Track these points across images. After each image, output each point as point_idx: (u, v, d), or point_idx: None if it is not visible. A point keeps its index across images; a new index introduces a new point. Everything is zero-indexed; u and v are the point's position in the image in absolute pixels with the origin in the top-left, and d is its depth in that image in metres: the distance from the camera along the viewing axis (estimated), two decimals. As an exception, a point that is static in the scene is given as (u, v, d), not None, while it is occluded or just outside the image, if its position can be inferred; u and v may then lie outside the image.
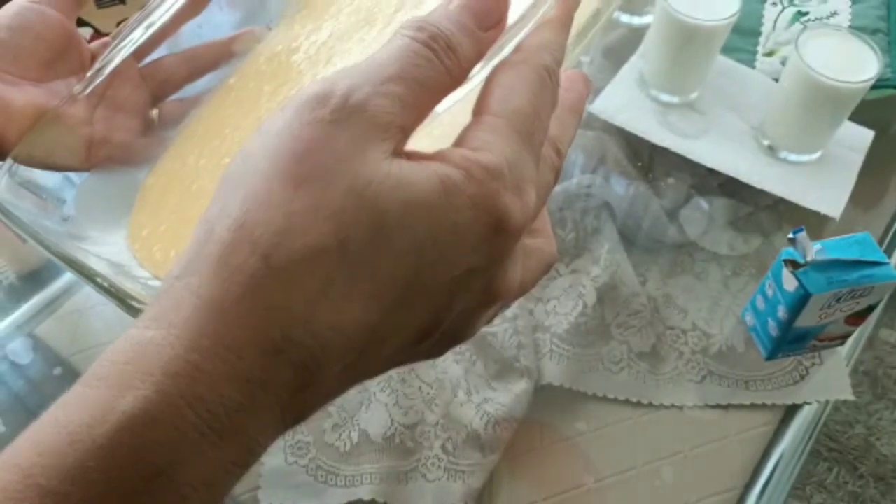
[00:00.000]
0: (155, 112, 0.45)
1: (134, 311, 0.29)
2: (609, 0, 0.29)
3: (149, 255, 0.36)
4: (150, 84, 0.44)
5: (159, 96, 0.45)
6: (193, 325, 0.17)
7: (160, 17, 0.42)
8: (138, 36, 0.41)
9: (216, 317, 0.17)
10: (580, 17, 0.25)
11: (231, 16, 0.49)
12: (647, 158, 0.68)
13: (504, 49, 0.22)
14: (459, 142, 0.21)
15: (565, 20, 0.23)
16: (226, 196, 0.19)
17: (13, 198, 0.36)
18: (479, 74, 0.21)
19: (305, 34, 0.44)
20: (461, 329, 0.21)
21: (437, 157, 0.20)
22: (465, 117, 0.22)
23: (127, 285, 0.31)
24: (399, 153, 0.19)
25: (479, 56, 0.21)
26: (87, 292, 0.61)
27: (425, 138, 0.20)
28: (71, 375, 0.53)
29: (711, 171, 0.65)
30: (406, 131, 0.20)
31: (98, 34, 0.52)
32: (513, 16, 0.22)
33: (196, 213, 0.37)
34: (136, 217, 0.38)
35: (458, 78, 0.21)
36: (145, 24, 0.41)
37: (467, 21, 0.21)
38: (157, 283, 0.33)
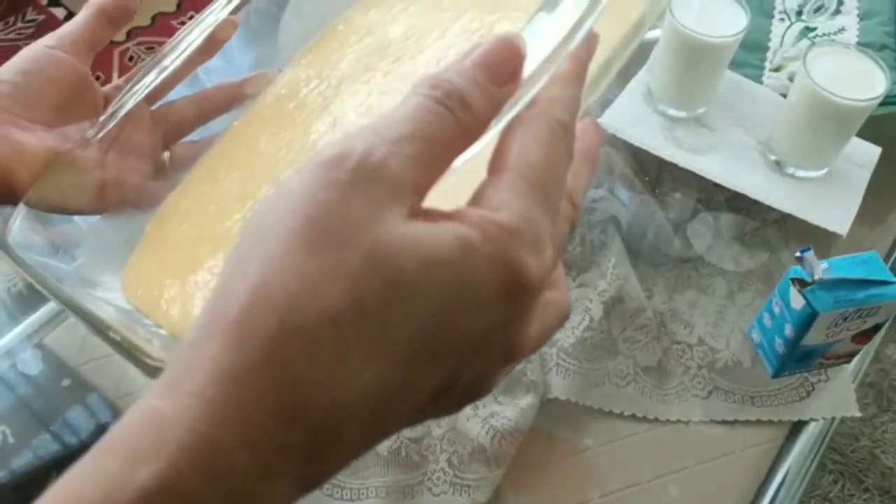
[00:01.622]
0: (166, 155, 0.45)
1: (146, 368, 0.29)
2: (620, 51, 0.29)
3: (134, 294, 0.36)
4: (161, 127, 0.44)
5: (171, 139, 0.45)
6: (209, 394, 0.17)
7: (173, 61, 0.42)
8: (151, 80, 0.41)
9: (231, 385, 0.17)
10: (592, 67, 0.25)
11: (244, 59, 0.49)
12: (654, 173, 0.68)
13: (518, 103, 0.22)
14: (476, 200, 0.21)
15: (579, 74, 0.23)
16: (243, 256, 0.19)
17: (24, 242, 0.36)
18: (493, 128, 0.21)
19: (307, 80, 0.44)
20: (479, 386, 0.21)
21: (453, 216, 0.20)
22: (479, 171, 0.22)
23: (136, 337, 0.31)
24: (415, 213, 0.19)
25: (494, 112, 0.21)
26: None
27: (439, 193, 0.20)
28: (79, 386, 0.53)
29: (718, 186, 0.65)
30: (422, 190, 0.20)
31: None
32: (527, 70, 0.22)
33: (179, 257, 0.37)
34: (133, 259, 0.38)
35: (473, 135, 0.21)
36: (158, 68, 0.41)
37: (482, 77, 0.21)
38: (162, 332, 0.33)
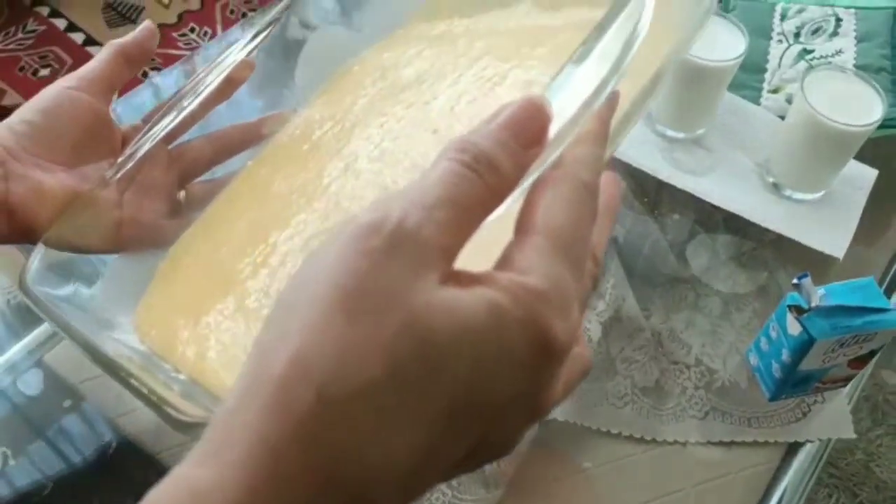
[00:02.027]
0: (182, 194, 0.45)
1: (173, 422, 0.29)
2: (639, 104, 0.30)
3: (148, 335, 0.36)
4: (178, 165, 0.44)
5: (187, 177, 0.45)
6: (248, 465, 0.18)
7: (191, 102, 0.42)
8: (169, 121, 0.42)
9: (270, 456, 0.18)
10: (612, 122, 0.25)
11: (260, 99, 0.49)
12: (652, 193, 0.68)
13: (545, 163, 0.22)
14: (503, 263, 0.21)
15: (602, 133, 0.24)
16: (280, 324, 0.19)
17: (43, 282, 0.36)
18: (520, 188, 0.22)
19: (321, 121, 0.44)
20: (504, 444, 0.22)
21: (484, 280, 0.20)
22: (506, 230, 0.22)
23: (156, 383, 0.31)
24: (446, 277, 0.20)
25: (521, 173, 0.21)
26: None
27: (465, 253, 0.21)
28: (80, 406, 0.53)
29: (716, 207, 0.66)
30: (453, 254, 0.20)
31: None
32: (553, 129, 0.22)
33: (191, 298, 0.38)
34: (145, 300, 0.39)
35: (501, 196, 0.21)
36: (177, 108, 0.41)
37: (509, 140, 0.21)
38: (182, 377, 0.33)
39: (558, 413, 0.56)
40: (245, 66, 0.46)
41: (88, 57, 0.49)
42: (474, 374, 0.19)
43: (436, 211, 0.19)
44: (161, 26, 1.70)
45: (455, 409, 0.19)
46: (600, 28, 0.26)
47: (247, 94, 0.47)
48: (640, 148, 0.68)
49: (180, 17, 1.71)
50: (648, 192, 0.68)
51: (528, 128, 0.22)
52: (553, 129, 0.22)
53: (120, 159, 0.41)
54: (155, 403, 0.30)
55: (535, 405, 0.21)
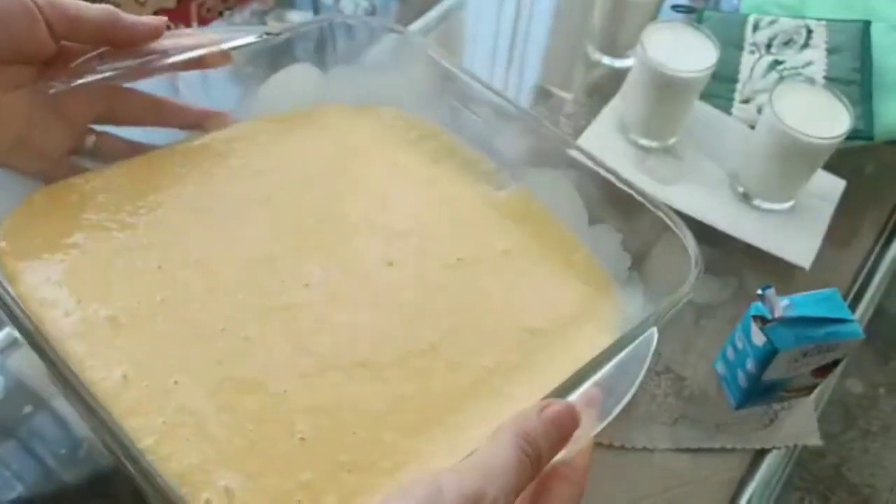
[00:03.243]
0: (93, 139, 0.44)
1: None
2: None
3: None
4: (103, 105, 0.43)
5: (106, 121, 0.44)
6: None
7: (157, 59, 0.41)
8: (127, 64, 0.40)
9: None
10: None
11: (221, 91, 0.49)
12: (624, 202, 0.69)
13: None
14: None
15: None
16: None
17: None
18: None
19: (239, 156, 0.46)
20: None
21: None
22: None
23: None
24: None
25: (549, 461, 0.29)
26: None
27: None
28: (43, 413, 0.53)
29: (687, 215, 0.66)
30: None
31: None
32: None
33: (48, 234, 0.39)
34: (6, 221, 0.40)
35: (536, 476, 0.28)
36: (141, 57, 0.41)
37: (553, 434, 0.29)
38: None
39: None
40: (222, 57, 0.45)
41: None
42: None
43: (511, 495, 0.27)
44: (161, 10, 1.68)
45: None
46: (615, 350, 0.34)
47: (214, 80, 0.47)
48: (612, 155, 0.68)
49: (155, 13, 1.70)
50: (621, 200, 0.69)
51: (566, 429, 0.29)
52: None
53: (57, 76, 0.39)
54: None
55: None
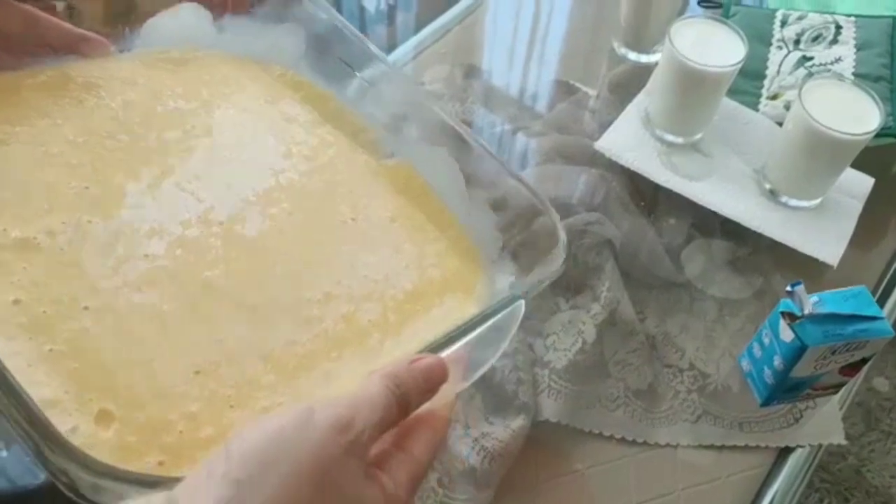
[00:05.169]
0: None
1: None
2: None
3: None
4: None
5: None
6: None
7: None
8: None
9: None
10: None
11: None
12: (649, 197, 0.68)
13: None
14: (386, 465, 0.31)
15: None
16: (252, 478, 0.26)
17: None
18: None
19: (104, 88, 0.45)
20: None
21: (381, 466, 0.30)
22: None
23: None
24: (368, 464, 0.29)
25: (418, 407, 0.32)
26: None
27: None
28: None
29: (713, 212, 0.66)
30: (369, 453, 0.29)
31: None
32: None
33: None
34: None
35: (402, 419, 0.31)
36: None
37: (424, 384, 0.32)
38: None
39: (551, 414, 0.57)
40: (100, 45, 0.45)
41: None
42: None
43: (376, 431, 0.29)
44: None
45: None
46: (483, 318, 0.37)
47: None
48: (637, 151, 0.68)
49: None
50: (645, 195, 0.69)
51: (434, 380, 0.32)
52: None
53: None
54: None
55: None
